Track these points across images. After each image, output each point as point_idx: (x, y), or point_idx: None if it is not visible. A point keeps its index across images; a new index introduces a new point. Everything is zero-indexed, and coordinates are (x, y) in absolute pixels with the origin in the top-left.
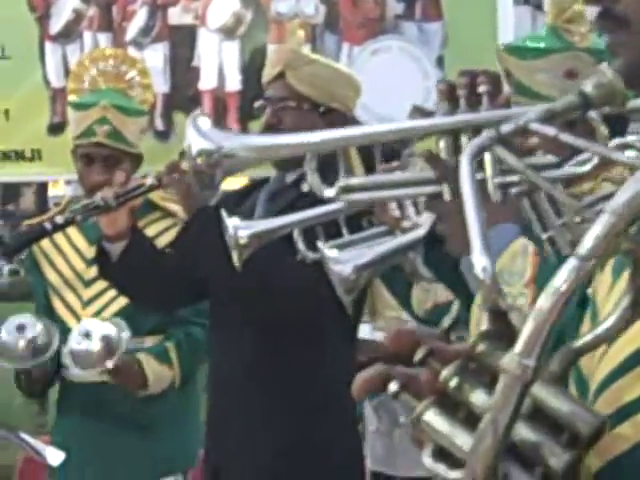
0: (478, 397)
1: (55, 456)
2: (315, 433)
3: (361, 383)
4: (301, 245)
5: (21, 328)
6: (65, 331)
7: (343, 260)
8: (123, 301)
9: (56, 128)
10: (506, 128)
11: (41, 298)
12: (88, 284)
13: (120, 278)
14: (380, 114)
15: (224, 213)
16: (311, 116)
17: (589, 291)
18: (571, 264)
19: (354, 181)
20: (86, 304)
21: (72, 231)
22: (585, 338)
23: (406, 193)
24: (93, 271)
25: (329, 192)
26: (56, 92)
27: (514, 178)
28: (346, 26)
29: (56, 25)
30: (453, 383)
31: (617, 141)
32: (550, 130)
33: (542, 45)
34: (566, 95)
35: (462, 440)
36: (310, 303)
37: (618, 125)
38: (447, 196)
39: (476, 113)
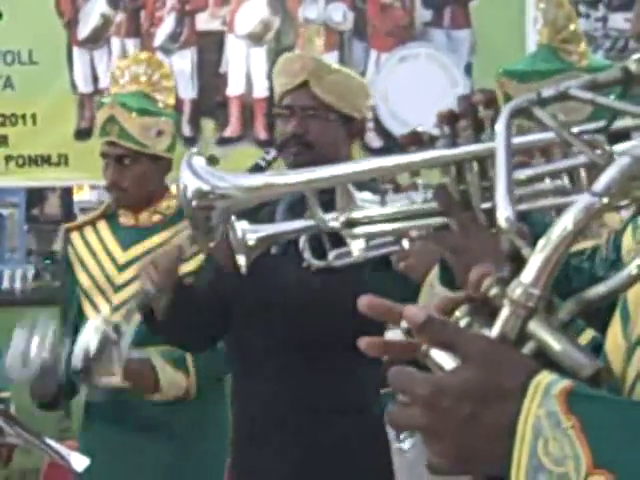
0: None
1: (80, 461)
2: (341, 451)
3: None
4: (307, 254)
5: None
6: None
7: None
8: None
9: (83, 133)
10: (547, 92)
11: (73, 301)
12: (118, 289)
13: (169, 334)
14: (407, 121)
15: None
16: (335, 125)
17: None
18: (584, 200)
19: (359, 214)
20: (115, 309)
21: (106, 235)
22: (597, 289)
23: (411, 225)
24: (124, 277)
25: (334, 224)
26: (83, 97)
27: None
28: (374, 33)
29: (84, 30)
30: (463, 323)
31: None
32: (588, 95)
33: (543, 67)
34: (569, 116)
35: None
36: (339, 319)
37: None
38: (454, 227)
39: (479, 143)
